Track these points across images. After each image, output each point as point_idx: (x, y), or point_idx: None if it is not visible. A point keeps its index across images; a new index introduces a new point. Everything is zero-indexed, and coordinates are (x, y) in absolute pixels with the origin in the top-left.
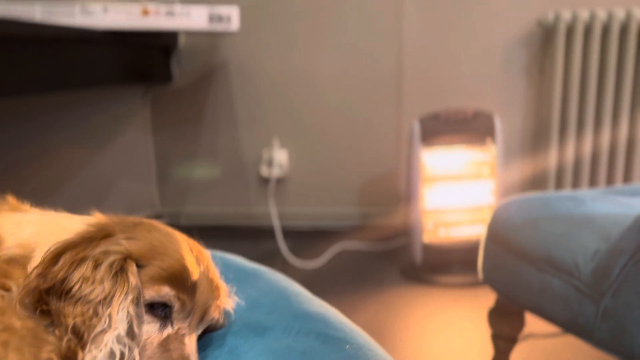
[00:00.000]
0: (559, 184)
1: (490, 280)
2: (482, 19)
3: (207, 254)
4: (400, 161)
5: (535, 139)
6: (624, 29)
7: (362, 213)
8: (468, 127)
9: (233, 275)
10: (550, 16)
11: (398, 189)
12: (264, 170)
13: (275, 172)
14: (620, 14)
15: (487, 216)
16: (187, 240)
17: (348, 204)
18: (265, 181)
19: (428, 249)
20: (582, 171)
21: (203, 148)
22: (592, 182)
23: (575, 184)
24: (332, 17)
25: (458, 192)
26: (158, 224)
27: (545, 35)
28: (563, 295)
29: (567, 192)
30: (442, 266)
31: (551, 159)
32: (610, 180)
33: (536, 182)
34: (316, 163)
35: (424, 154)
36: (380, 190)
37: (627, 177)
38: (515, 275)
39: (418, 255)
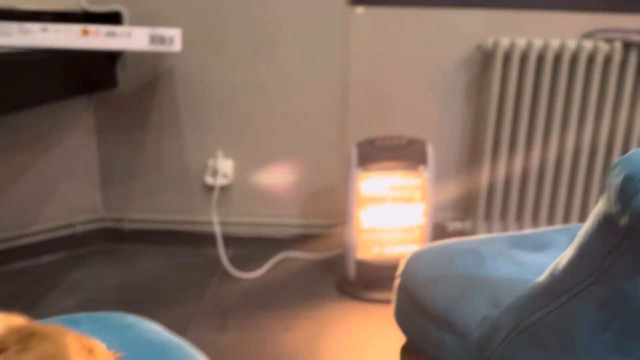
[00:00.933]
0: (489, 204)
1: (399, 324)
2: (426, 41)
3: (100, 347)
4: (342, 175)
5: (471, 157)
6: (558, 58)
7: (305, 224)
8: (402, 153)
9: (136, 356)
10: (490, 42)
11: (340, 202)
12: (209, 179)
13: (220, 181)
14: (555, 44)
15: (418, 236)
16: (78, 340)
17: (291, 214)
18: (209, 189)
19: (361, 266)
20: (512, 192)
21: (148, 154)
22: (520, 203)
23: (505, 204)
24: (279, 30)
25: (391, 214)
26: (53, 331)
27: (484, 59)
28: (455, 354)
29: (474, 242)
30: (375, 282)
31: (483, 179)
32: (537, 201)
33: (469, 201)
34: (261, 174)
35: (360, 178)
36: (322, 202)
37: (554, 198)
38: (418, 326)
39: (352, 272)
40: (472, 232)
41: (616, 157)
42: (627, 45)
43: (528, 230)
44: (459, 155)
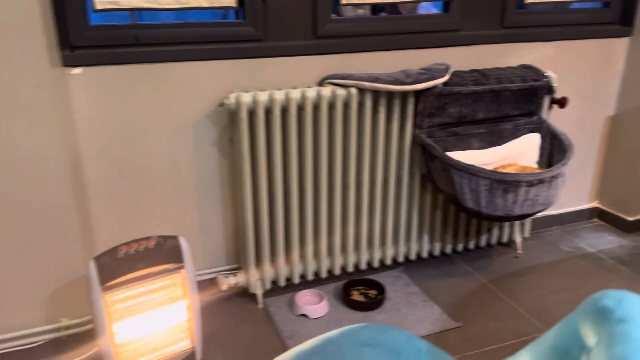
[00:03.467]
0: (258, 252)
1: None
2: (167, 99)
3: None
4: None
5: (234, 208)
6: (301, 108)
7: (55, 327)
8: (152, 258)
9: None
10: (232, 99)
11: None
12: None
13: None
14: (296, 95)
15: (187, 330)
16: None
17: (36, 320)
18: None
19: None
20: (277, 237)
21: None
22: (287, 246)
23: (273, 249)
24: None
25: (153, 319)
26: None
27: (230, 114)
28: None
29: None
30: None
31: (249, 228)
32: (302, 242)
33: (239, 253)
34: None
35: (105, 297)
36: (71, 298)
37: (316, 236)
38: None
39: None
40: (246, 285)
41: (366, 191)
42: (361, 90)
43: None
44: (222, 207)
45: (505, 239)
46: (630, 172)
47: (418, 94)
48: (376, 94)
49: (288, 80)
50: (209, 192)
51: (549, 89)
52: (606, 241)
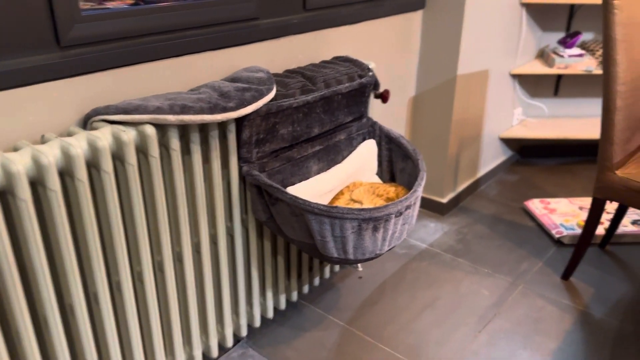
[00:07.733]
0: None
1: None
2: None
3: None
4: None
5: None
6: (66, 173)
7: None
8: None
9: None
10: None
11: None
12: None
13: None
14: (53, 154)
15: None
16: None
17: None
18: None
19: None
20: None
21: None
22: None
23: None
24: None
25: None
26: None
27: None
28: None
29: None
30: None
31: None
32: None
33: None
34: None
35: None
36: None
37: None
38: None
39: None
40: None
41: (189, 265)
42: (161, 126)
43: None
44: None
45: None
46: (435, 153)
47: (240, 118)
48: (184, 128)
49: (28, 129)
50: None
51: (375, 84)
52: (430, 230)
